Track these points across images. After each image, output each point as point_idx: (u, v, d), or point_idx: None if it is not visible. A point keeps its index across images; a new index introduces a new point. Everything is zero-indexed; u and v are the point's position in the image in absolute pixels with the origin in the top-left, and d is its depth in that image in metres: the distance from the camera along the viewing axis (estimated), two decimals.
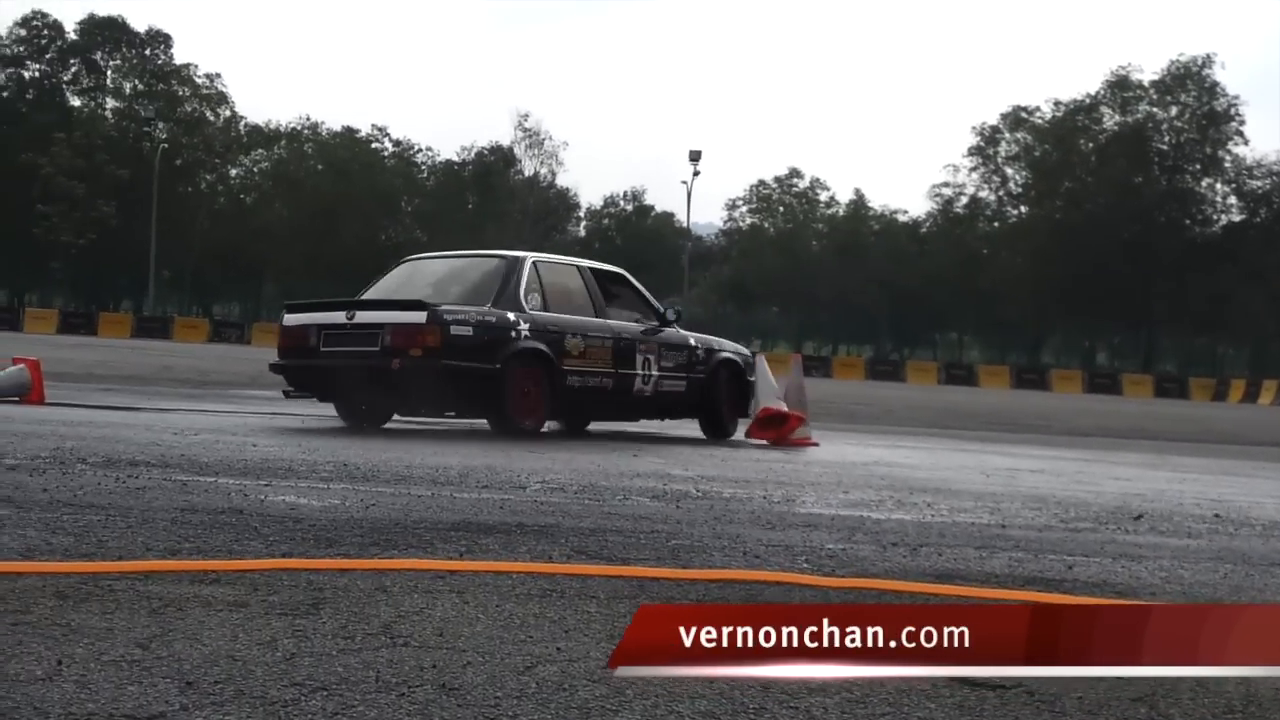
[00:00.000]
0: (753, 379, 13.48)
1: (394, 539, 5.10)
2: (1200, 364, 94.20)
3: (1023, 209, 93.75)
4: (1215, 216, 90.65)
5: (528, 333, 11.64)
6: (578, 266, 13.35)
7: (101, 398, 13.93)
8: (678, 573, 4.73)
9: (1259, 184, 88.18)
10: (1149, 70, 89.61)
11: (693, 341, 13.58)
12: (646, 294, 13.71)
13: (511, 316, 11.62)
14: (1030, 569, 5.38)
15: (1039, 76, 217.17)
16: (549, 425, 12.67)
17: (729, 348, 13.96)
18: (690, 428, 13.95)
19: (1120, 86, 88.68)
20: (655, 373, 12.85)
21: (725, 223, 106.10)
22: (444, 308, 11.19)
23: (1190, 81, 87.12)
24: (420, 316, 10.98)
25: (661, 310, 13.46)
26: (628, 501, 6.84)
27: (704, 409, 13.48)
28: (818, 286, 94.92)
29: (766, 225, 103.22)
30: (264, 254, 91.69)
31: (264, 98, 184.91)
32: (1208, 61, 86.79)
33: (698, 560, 5.06)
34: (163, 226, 77.35)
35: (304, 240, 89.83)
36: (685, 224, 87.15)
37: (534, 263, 12.47)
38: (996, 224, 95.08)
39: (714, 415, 13.47)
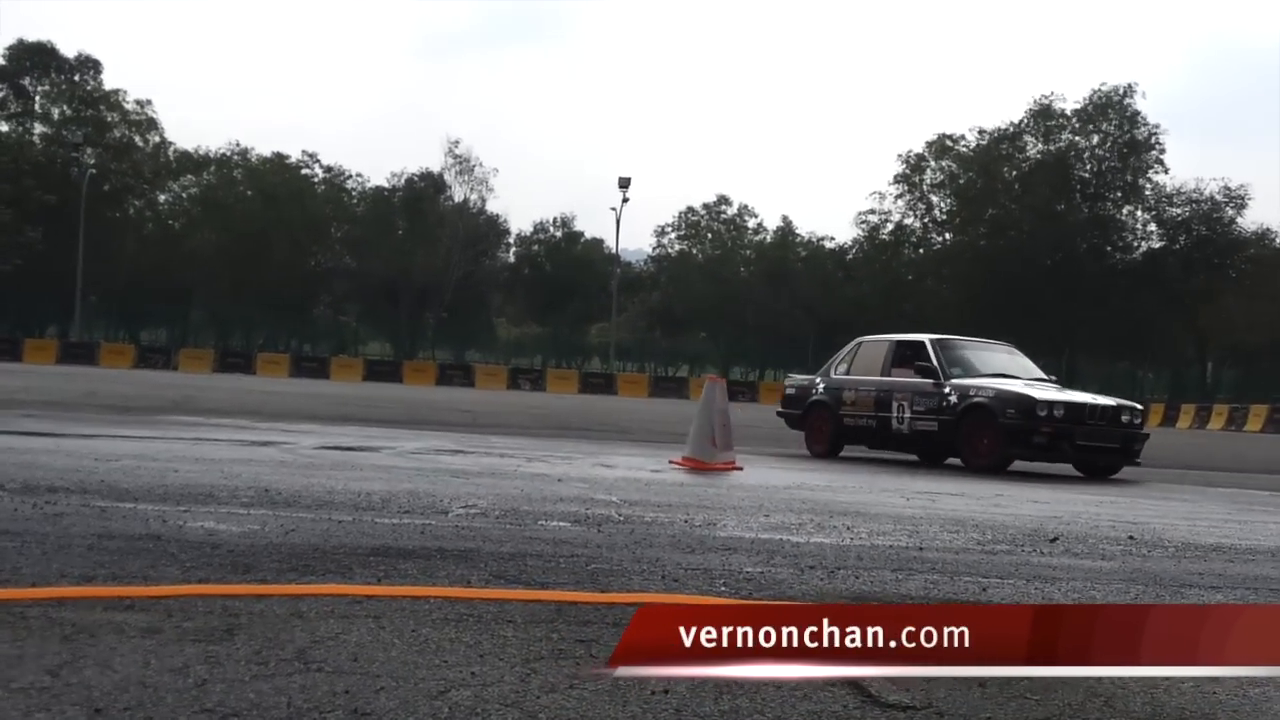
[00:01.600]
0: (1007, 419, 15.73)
1: (312, 564, 5.08)
2: (1121, 388, 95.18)
3: (947, 236, 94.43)
4: (1136, 243, 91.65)
5: (820, 390, 18.15)
6: (891, 340, 17.97)
7: (23, 424, 13.77)
8: (596, 596, 4.75)
9: (1178, 211, 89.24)
10: (1071, 99, 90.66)
11: (946, 389, 16.37)
12: (932, 355, 16.87)
13: (816, 379, 18.53)
14: (945, 591, 5.44)
15: (964, 105, 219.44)
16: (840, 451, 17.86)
17: (988, 391, 16.06)
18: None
19: (1043, 115, 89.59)
20: (908, 415, 16.68)
21: (654, 249, 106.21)
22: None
23: (1111, 110, 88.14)
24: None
25: (936, 368, 16.63)
26: (549, 526, 6.85)
27: (953, 445, 16.42)
28: (745, 312, 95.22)
29: (695, 252, 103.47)
30: (192, 280, 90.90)
31: (193, 123, 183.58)
32: (1129, 91, 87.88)
33: (616, 584, 5.08)
34: (90, 252, 76.51)
35: (233, 266, 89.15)
36: (614, 250, 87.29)
37: (859, 342, 18.52)
38: (921, 250, 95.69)
39: (959, 450, 16.26)
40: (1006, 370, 17.10)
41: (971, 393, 15.92)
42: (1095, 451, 15.66)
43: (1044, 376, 17.50)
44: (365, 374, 65.21)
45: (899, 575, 5.80)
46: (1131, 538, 8.14)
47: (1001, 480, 14.02)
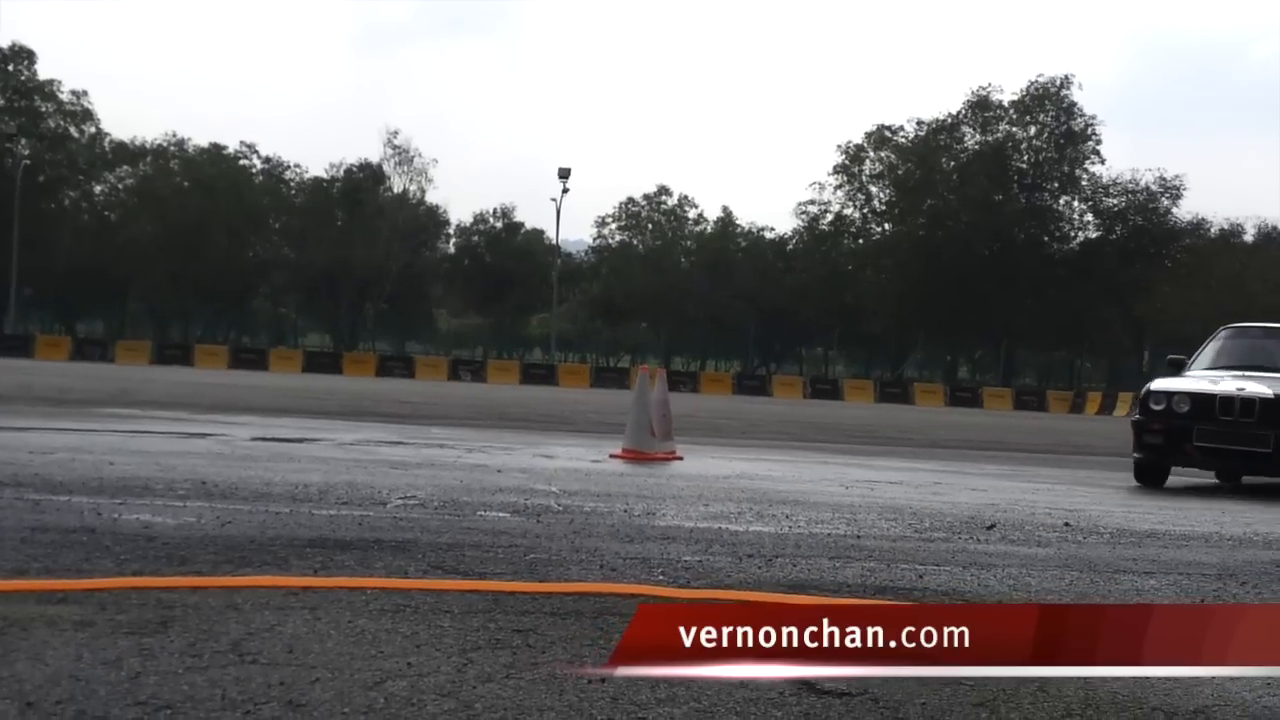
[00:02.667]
0: None
1: (248, 556, 5.06)
2: (1058, 377, 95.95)
3: (886, 226, 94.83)
4: (1073, 233, 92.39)
5: None
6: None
7: None
8: (533, 586, 4.75)
9: (1114, 202, 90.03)
10: (1009, 91, 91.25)
11: None
12: None
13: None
14: (882, 578, 5.47)
15: (902, 96, 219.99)
16: None
17: None
18: None
19: (981, 106, 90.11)
20: None
21: (595, 239, 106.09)
22: None
23: (1048, 102, 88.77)
24: None
25: None
26: (487, 516, 6.84)
27: None
28: (686, 302, 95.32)
29: (635, 242, 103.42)
30: (129, 271, 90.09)
31: (130, 114, 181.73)
32: (1065, 82, 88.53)
33: (554, 574, 5.08)
34: (24, 244, 75.67)
35: (170, 257, 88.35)
36: (555, 241, 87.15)
37: None
38: (861, 241, 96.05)
39: None
40: None
41: None
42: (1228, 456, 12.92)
43: None
44: (304, 365, 64.80)
45: (836, 563, 5.82)
46: (1068, 524, 8.21)
47: (941, 469, 14.08)
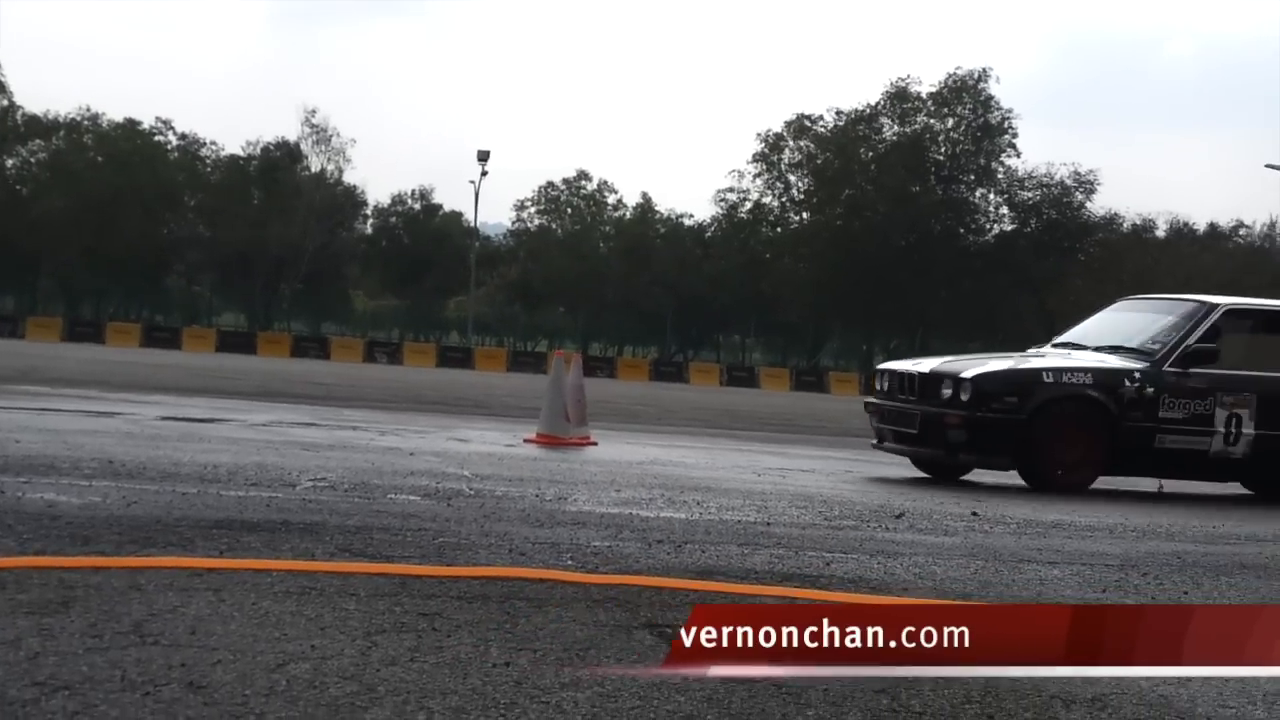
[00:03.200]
0: None
1: (153, 537, 5.01)
2: None
3: (804, 215, 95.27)
4: (988, 226, 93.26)
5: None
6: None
7: None
8: (441, 570, 4.75)
9: (1029, 195, 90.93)
10: (927, 82, 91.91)
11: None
12: None
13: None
14: (790, 565, 5.51)
15: (822, 86, 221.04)
16: None
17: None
18: None
19: (899, 98, 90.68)
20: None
21: (513, 223, 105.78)
22: None
23: (966, 94, 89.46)
24: None
25: None
26: (398, 499, 6.82)
27: None
28: (605, 288, 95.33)
29: (554, 226, 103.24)
30: (41, 247, 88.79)
31: (43, 87, 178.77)
32: (984, 75, 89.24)
33: (463, 558, 5.08)
34: None
35: (83, 233, 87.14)
36: (473, 223, 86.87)
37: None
38: (779, 229, 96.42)
39: None
40: None
41: None
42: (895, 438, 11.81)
43: None
44: (218, 345, 64.18)
45: (745, 550, 5.86)
46: (975, 514, 8.31)
47: (853, 457, 14.18)
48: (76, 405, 13.36)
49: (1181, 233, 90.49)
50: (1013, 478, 11.32)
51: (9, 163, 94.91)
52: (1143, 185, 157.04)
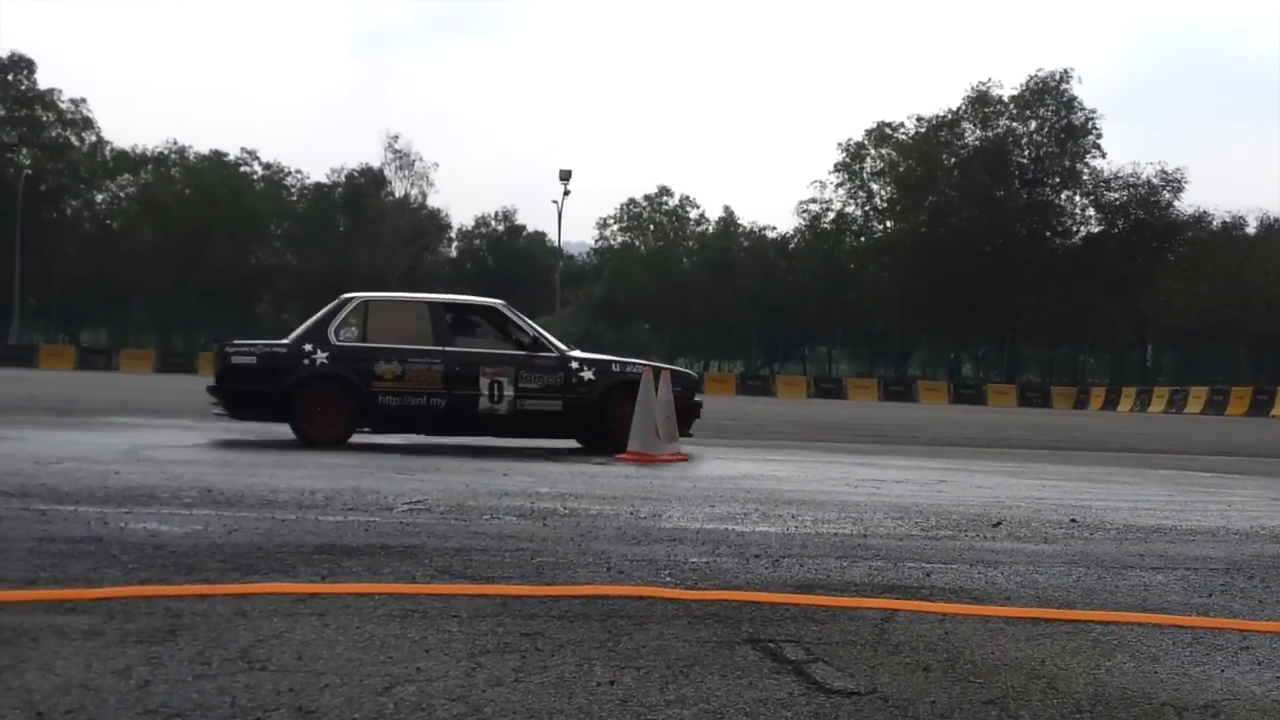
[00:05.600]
0: (698, 399, 14.74)
1: (255, 564, 5.06)
2: (1062, 372, 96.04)
3: (888, 224, 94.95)
4: (1074, 228, 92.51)
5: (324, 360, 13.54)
6: (424, 302, 14.51)
7: None
8: (541, 590, 4.75)
9: (1116, 196, 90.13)
10: (1009, 86, 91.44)
11: (574, 364, 14.04)
12: (521, 323, 14.44)
13: (307, 346, 13.61)
14: (889, 577, 5.47)
15: (902, 93, 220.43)
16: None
17: (636, 369, 14.00)
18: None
19: (981, 102, 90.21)
20: (510, 393, 13.74)
21: (596, 241, 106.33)
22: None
23: (1048, 96, 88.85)
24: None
25: (534, 339, 14.20)
26: (494, 521, 6.84)
27: (586, 427, 14.20)
28: (689, 303, 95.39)
29: (637, 243, 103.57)
30: (132, 279, 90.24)
31: (130, 122, 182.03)
32: (1065, 76, 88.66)
33: (562, 577, 5.08)
34: (27, 254, 75.83)
35: (172, 265, 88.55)
36: (557, 243, 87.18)
37: (362, 302, 14.15)
38: (863, 239, 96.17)
39: (599, 433, 14.03)
40: None
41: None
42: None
43: None
44: None
45: (843, 563, 5.83)
46: (1074, 521, 8.21)
47: (946, 466, 14.07)
48: (172, 437, 13.52)
49: (1272, 229, 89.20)
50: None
51: (99, 198, 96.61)
52: (1231, 182, 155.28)
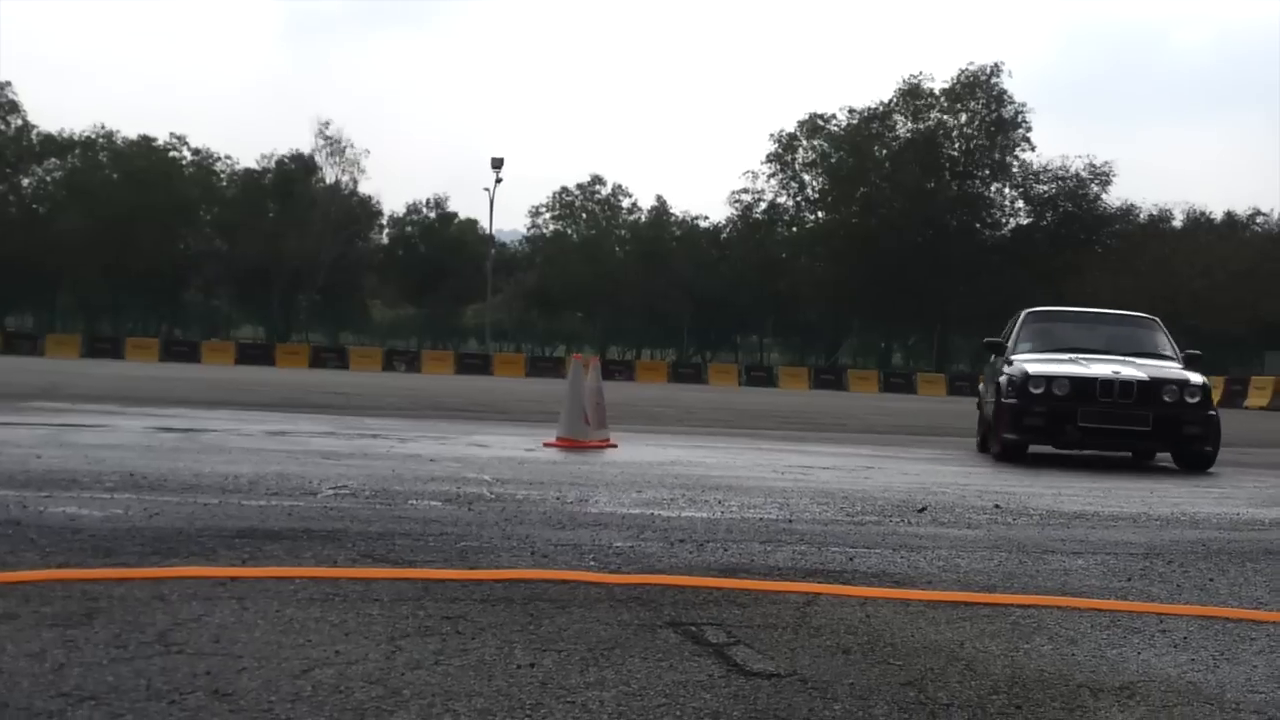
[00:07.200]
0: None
1: (175, 547, 5.02)
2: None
3: (820, 214, 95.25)
4: (1004, 220, 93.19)
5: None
6: None
7: None
8: (464, 574, 4.74)
9: (1045, 188, 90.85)
10: (940, 79, 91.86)
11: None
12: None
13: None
14: (813, 561, 5.50)
15: (834, 85, 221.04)
16: None
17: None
18: None
19: (912, 94, 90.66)
20: None
21: (529, 229, 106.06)
22: None
23: (979, 89, 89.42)
24: None
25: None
26: (419, 505, 6.82)
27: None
28: (621, 292, 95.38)
29: (570, 232, 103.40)
30: (59, 265, 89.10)
31: (57, 105, 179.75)
32: (995, 70, 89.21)
33: (485, 561, 5.08)
34: None
35: (100, 250, 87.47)
36: (489, 231, 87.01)
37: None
38: (795, 229, 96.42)
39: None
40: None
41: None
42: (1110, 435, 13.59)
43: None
44: (237, 358, 64.40)
45: (767, 548, 5.85)
46: (998, 506, 8.29)
47: (874, 454, 14.14)
48: (97, 420, 13.39)
49: (1199, 222, 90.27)
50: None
51: (25, 183, 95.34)
52: (1159, 176, 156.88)
